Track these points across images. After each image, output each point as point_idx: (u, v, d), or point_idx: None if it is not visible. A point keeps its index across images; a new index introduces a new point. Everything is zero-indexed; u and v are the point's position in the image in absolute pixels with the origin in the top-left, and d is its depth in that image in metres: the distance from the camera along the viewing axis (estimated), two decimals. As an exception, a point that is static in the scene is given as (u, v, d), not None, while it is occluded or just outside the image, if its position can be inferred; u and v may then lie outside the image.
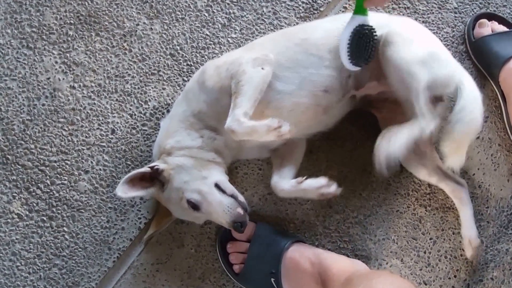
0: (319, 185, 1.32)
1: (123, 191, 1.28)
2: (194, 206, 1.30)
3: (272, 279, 1.39)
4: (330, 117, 1.41)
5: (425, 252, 1.52)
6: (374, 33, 1.29)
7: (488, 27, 1.59)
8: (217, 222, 1.33)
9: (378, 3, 1.21)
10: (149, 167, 1.32)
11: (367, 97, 1.41)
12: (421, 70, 1.26)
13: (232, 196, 1.30)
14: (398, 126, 1.25)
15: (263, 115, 1.29)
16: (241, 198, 1.31)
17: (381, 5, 1.18)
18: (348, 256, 1.48)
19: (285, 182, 1.37)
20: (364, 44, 1.28)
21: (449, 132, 1.32)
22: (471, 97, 1.29)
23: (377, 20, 1.30)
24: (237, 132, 1.23)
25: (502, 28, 1.59)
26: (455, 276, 1.51)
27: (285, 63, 1.34)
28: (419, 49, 1.30)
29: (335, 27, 1.36)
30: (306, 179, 1.33)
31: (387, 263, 1.50)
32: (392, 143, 1.23)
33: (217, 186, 1.31)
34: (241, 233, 1.32)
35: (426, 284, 1.50)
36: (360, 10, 1.26)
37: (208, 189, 1.30)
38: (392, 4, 1.64)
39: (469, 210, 1.47)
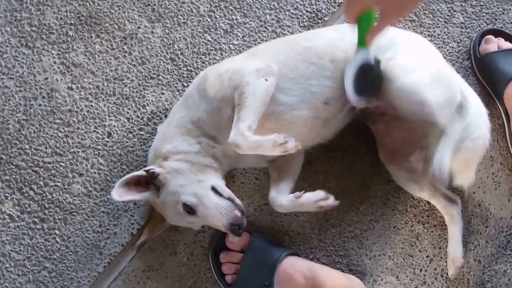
0: (317, 198, 1.31)
1: (118, 195, 1.26)
2: (190, 209, 1.28)
3: (265, 291, 1.37)
4: (328, 129, 1.39)
5: (421, 270, 1.50)
6: (379, 65, 1.29)
7: (494, 44, 1.57)
8: (213, 226, 1.31)
9: (378, 35, 1.20)
10: (145, 171, 1.31)
11: (366, 109, 1.39)
12: (428, 95, 1.27)
13: (229, 199, 1.29)
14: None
15: (264, 128, 1.28)
16: (238, 201, 1.29)
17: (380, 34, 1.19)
18: (343, 271, 1.47)
19: (283, 197, 1.35)
20: (369, 77, 1.27)
21: (458, 149, 1.33)
22: (477, 113, 1.29)
23: (378, 43, 1.29)
24: (241, 146, 1.21)
25: (508, 45, 1.57)
26: (451, 296, 1.49)
27: (288, 74, 1.32)
28: (421, 76, 1.31)
29: (338, 37, 1.34)
30: (304, 193, 1.31)
31: (382, 280, 1.48)
32: (440, 162, 1.26)
33: (213, 189, 1.30)
34: (238, 236, 1.30)
35: (421, 303, 1.49)
36: (363, 43, 1.24)
37: (205, 192, 1.28)
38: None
39: (458, 228, 1.46)
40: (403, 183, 1.46)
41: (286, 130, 1.27)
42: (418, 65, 1.34)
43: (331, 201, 1.31)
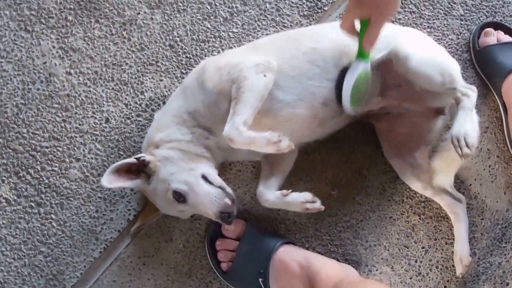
0: (304, 200, 1.32)
1: (108, 181, 1.26)
2: (180, 197, 1.28)
3: (260, 279, 1.37)
4: (324, 129, 1.40)
5: (416, 261, 1.50)
6: (370, 77, 1.30)
7: (493, 37, 1.57)
8: (204, 215, 1.31)
9: (375, 41, 1.21)
10: (135, 158, 1.30)
11: (369, 112, 1.39)
12: (446, 63, 1.32)
13: (220, 187, 1.29)
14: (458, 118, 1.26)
15: (260, 124, 1.28)
16: (229, 189, 1.29)
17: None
18: (338, 260, 1.47)
19: (270, 193, 1.36)
20: (363, 88, 1.29)
21: (443, 150, 1.34)
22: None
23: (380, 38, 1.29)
24: (235, 141, 1.21)
25: (507, 38, 1.57)
26: (445, 287, 1.49)
27: (289, 72, 1.31)
28: (433, 50, 1.36)
29: (343, 39, 1.32)
30: (291, 192, 1.32)
31: (377, 270, 1.49)
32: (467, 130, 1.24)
33: (204, 177, 1.29)
34: (228, 225, 1.30)
35: (415, 293, 1.49)
36: (362, 54, 1.25)
37: (195, 180, 1.28)
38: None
39: (463, 226, 1.46)
40: (408, 179, 1.46)
41: (283, 127, 1.27)
42: (426, 44, 1.37)
43: (318, 204, 1.32)
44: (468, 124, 1.24)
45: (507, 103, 1.52)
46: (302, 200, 1.31)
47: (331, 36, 1.36)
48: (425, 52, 1.33)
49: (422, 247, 1.51)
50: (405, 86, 1.34)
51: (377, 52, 1.32)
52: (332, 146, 1.52)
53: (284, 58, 1.32)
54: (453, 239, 1.50)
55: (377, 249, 1.50)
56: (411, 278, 1.49)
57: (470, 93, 1.28)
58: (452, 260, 1.49)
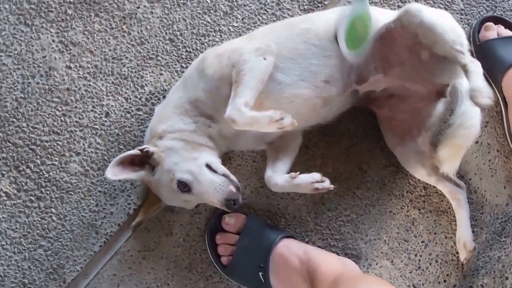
0: (313, 180, 1.31)
1: (112, 173, 1.27)
2: (185, 186, 1.28)
3: (260, 273, 1.37)
4: (329, 110, 1.39)
5: (416, 255, 1.50)
6: (371, 20, 1.27)
7: (493, 31, 1.57)
8: (209, 203, 1.31)
9: None
10: (139, 149, 1.31)
11: (371, 93, 1.39)
12: (457, 24, 1.31)
13: (224, 175, 1.29)
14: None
15: (262, 106, 1.28)
16: (233, 177, 1.29)
17: None
18: (338, 255, 1.47)
19: (278, 176, 1.35)
20: (362, 30, 1.26)
21: (449, 136, 1.34)
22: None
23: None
24: (237, 121, 1.21)
25: (508, 32, 1.57)
26: (444, 281, 1.49)
27: (286, 54, 1.32)
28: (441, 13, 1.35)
29: (336, 17, 1.33)
30: (299, 174, 1.31)
31: (377, 264, 1.49)
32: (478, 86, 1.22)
33: (208, 166, 1.30)
34: (234, 212, 1.31)
35: (415, 287, 1.49)
36: None
37: (199, 169, 1.29)
38: (398, 2, 1.62)
39: (465, 212, 1.47)
40: (411, 167, 1.46)
41: (286, 109, 1.27)
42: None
43: (327, 184, 1.32)
44: (482, 81, 1.22)
45: (507, 97, 1.52)
46: (311, 180, 1.30)
47: (324, 16, 1.37)
48: (437, 11, 1.34)
49: (422, 241, 1.51)
50: (408, 63, 1.33)
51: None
52: (332, 141, 1.52)
53: (280, 42, 1.33)
54: (453, 234, 1.50)
55: (377, 243, 1.50)
56: (410, 272, 1.50)
57: (476, 62, 1.27)
58: (452, 254, 1.50)
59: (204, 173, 1.28)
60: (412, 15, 1.28)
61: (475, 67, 1.24)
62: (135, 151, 1.31)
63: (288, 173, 1.35)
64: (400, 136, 1.43)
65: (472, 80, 1.22)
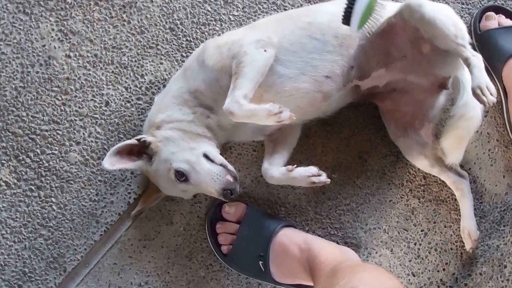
0: (309, 174, 1.31)
1: (110, 163, 1.27)
2: (182, 176, 1.28)
3: (260, 262, 1.38)
4: (329, 105, 1.39)
5: (415, 244, 1.51)
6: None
7: (495, 20, 1.56)
8: (206, 193, 1.31)
9: None
10: (136, 139, 1.31)
11: (374, 89, 1.39)
12: (458, 18, 1.30)
13: (221, 165, 1.29)
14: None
15: (262, 99, 1.28)
16: (230, 167, 1.29)
17: None
18: (338, 244, 1.48)
19: (275, 169, 1.36)
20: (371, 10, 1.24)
21: (452, 127, 1.35)
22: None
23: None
24: (236, 114, 1.21)
25: (508, 22, 1.57)
26: (443, 269, 1.50)
27: (288, 47, 1.31)
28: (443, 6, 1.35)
29: (340, 10, 1.33)
30: (296, 167, 1.32)
31: (376, 253, 1.50)
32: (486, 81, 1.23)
33: (205, 156, 1.30)
34: (231, 202, 1.31)
35: (414, 276, 1.50)
36: None
37: (196, 159, 1.29)
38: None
39: (469, 202, 1.47)
40: (414, 158, 1.46)
41: (286, 102, 1.27)
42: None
43: (323, 177, 1.32)
44: (485, 77, 1.22)
45: (507, 87, 1.52)
46: (307, 174, 1.31)
47: (327, 10, 1.36)
48: (438, 5, 1.33)
49: (422, 230, 1.51)
50: (410, 56, 1.33)
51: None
52: (332, 130, 1.52)
53: (283, 35, 1.32)
54: (452, 223, 1.51)
55: (376, 232, 1.50)
56: (410, 261, 1.50)
57: (478, 55, 1.26)
58: (451, 243, 1.51)
59: (201, 163, 1.28)
60: (413, 10, 1.27)
61: (477, 61, 1.24)
62: (132, 141, 1.31)
63: (285, 165, 1.36)
64: (403, 127, 1.44)
65: (475, 76, 1.22)
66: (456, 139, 1.36)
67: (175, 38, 1.53)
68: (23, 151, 1.44)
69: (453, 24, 1.27)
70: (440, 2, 1.62)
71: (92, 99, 1.48)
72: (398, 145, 1.47)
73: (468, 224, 1.47)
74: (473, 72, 1.22)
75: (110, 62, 1.50)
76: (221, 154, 1.34)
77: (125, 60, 1.51)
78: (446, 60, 1.33)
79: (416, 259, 1.51)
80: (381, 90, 1.40)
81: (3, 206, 1.42)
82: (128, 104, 1.49)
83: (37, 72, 1.48)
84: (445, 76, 1.37)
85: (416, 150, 1.44)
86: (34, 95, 1.47)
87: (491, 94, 1.20)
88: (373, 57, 1.33)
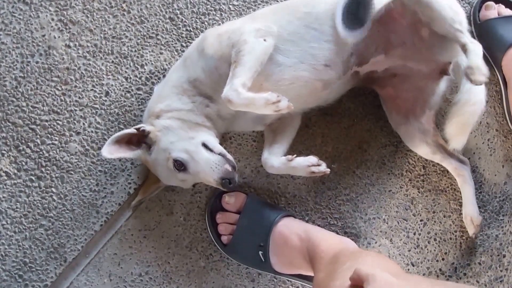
0: (309, 164, 1.32)
1: (108, 152, 1.27)
2: (181, 165, 1.28)
3: (260, 252, 1.38)
4: (329, 93, 1.39)
5: (414, 234, 1.51)
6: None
7: (494, 10, 1.56)
8: (205, 182, 1.31)
9: None
10: (135, 128, 1.31)
11: (372, 74, 1.39)
12: (456, 3, 1.30)
13: (220, 154, 1.29)
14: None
15: (262, 88, 1.28)
16: (229, 156, 1.29)
17: None
18: (337, 233, 1.48)
19: (275, 158, 1.36)
20: (361, 9, 1.27)
21: (456, 113, 1.35)
22: None
23: None
24: (234, 102, 1.21)
25: (508, 12, 1.56)
26: (443, 259, 1.51)
27: (287, 37, 1.32)
28: None
29: (337, 1, 1.33)
30: (296, 157, 1.32)
31: (376, 242, 1.50)
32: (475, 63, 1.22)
33: (204, 145, 1.30)
34: (229, 191, 1.31)
35: (413, 265, 1.50)
36: None
37: (195, 148, 1.29)
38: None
39: (470, 188, 1.48)
40: (415, 145, 1.46)
41: (286, 91, 1.27)
42: None
43: (323, 167, 1.32)
44: (480, 60, 1.22)
45: (507, 77, 1.52)
46: (307, 163, 1.31)
47: (324, 0, 1.36)
48: None
49: (421, 220, 1.52)
50: (409, 42, 1.33)
51: None
52: (332, 120, 1.52)
53: (281, 25, 1.32)
54: (451, 212, 1.52)
55: (376, 222, 1.51)
56: (409, 251, 1.51)
57: (476, 42, 1.26)
58: (450, 232, 1.51)
59: (200, 152, 1.29)
60: None
61: (474, 46, 1.24)
62: (131, 130, 1.31)
63: (285, 155, 1.36)
64: (404, 115, 1.44)
65: (470, 58, 1.22)
66: (461, 125, 1.36)
67: (175, 28, 1.53)
68: (23, 141, 1.44)
69: (450, 8, 1.27)
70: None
71: (92, 89, 1.48)
72: (400, 133, 1.47)
73: (470, 210, 1.47)
74: (468, 56, 1.22)
75: (110, 52, 1.50)
76: (221, 144, 1.34)
77: (125, 50, 1.51)
78: (445, 46, 1.33)
79: (415, 248, 1.51)
80: (381, 75, 1.40)
81: (3, 197, 1.43)
82: (128, 94, 1.49)
83: (37, 62, 1.48)
84: (446, 62, 1.37)
85: (417, 138, 1.44)
86: (34, 85, 1.47)
87: (483, 75, 1.20)
88: (372, 44, 1.33)
